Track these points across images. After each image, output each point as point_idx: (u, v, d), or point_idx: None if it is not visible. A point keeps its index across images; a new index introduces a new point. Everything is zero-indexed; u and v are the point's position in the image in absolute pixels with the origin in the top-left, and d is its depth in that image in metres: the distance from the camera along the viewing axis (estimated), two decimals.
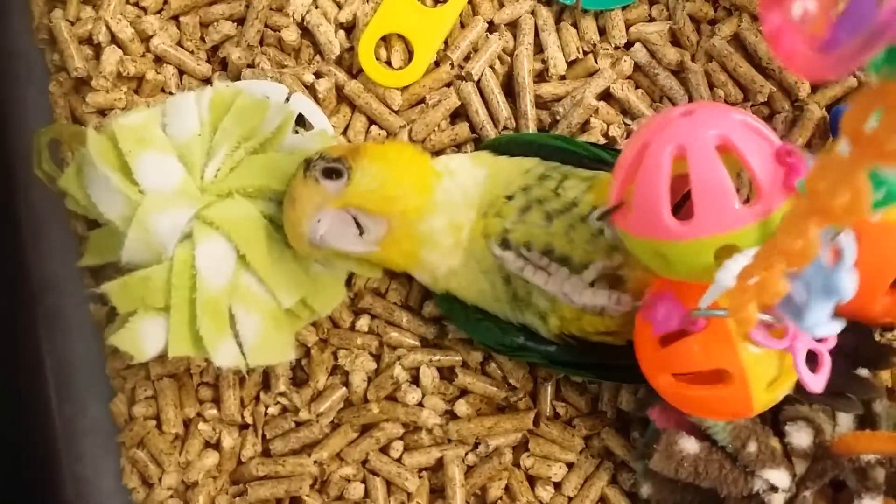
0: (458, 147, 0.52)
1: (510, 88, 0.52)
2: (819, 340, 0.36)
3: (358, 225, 0.43)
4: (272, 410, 0.52)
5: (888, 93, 0.20)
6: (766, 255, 0.26)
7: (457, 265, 0.45)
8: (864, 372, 0.47)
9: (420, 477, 0.52)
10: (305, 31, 0.53)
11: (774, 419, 0.46)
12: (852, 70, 0.20)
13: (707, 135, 0.33)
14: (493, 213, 0.44)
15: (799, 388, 0.46)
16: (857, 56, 0.20)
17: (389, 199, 0.43)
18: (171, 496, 0.52)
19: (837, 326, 0.33)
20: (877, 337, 0.48)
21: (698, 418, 0.45)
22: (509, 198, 0.44)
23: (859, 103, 0.21)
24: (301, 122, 0.51)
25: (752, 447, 0.45)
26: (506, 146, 0.48)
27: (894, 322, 0.42)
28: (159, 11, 0.54)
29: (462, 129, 0.52)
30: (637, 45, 0.52)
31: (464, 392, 0.52)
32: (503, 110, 0.51)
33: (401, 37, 0.52)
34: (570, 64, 0.52)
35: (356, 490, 0.52)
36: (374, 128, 0.52)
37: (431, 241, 0.44)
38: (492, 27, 0.53)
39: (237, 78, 0.52)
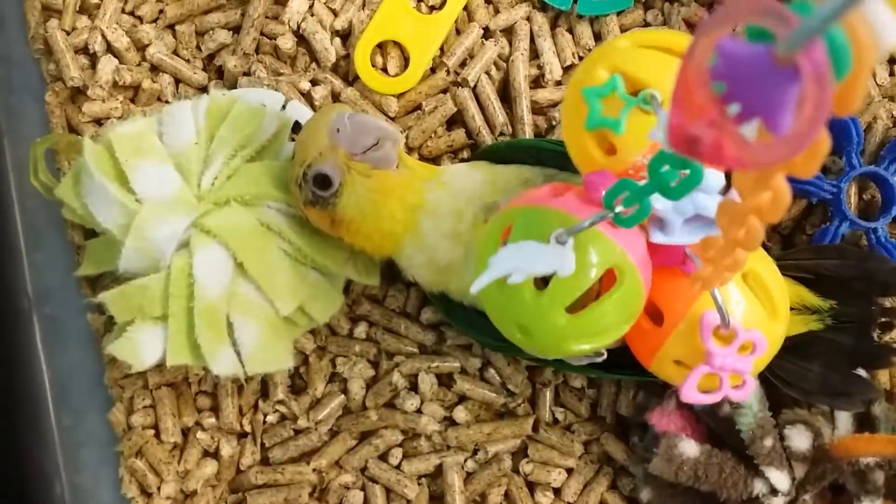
0: (454, 153, 0.52)
1: (506, 94, 0.52)
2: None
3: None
4: (271, 418, 0.52)
5: None
6: (735, 216, 0.27)
7: (456, 260, 0.45)
8: (862, 372, 0.47)
9: (419, 484, 0.52)
10: (301, 39, 0.53)
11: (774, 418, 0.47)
12: (809, 143, 0.21)
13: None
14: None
15: (798, 390, 0.46)
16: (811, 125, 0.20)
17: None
18: None
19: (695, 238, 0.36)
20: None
21: (735, 402, 0.45)
22: None
23: None
24: (297, 129, 0.51)
25: (768, 442, 0.45)
26: (504, 151, 0.48)
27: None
28: (155, 20, 0.54)
29: (458, 136, 0.52)
30: None
31: (462, 398, 0.52)
32: (499, 116, 0.51)
33: (397, 44, 0.52)
34: (566, 69, 0.52)
35: (355, 498, 0.52)
36: None
37: (431, 210, 0.45)
38: (487, 33, 0.53)
39: (233, 86, 0.52)
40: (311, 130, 0.44)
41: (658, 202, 0.33)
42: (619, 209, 0.32)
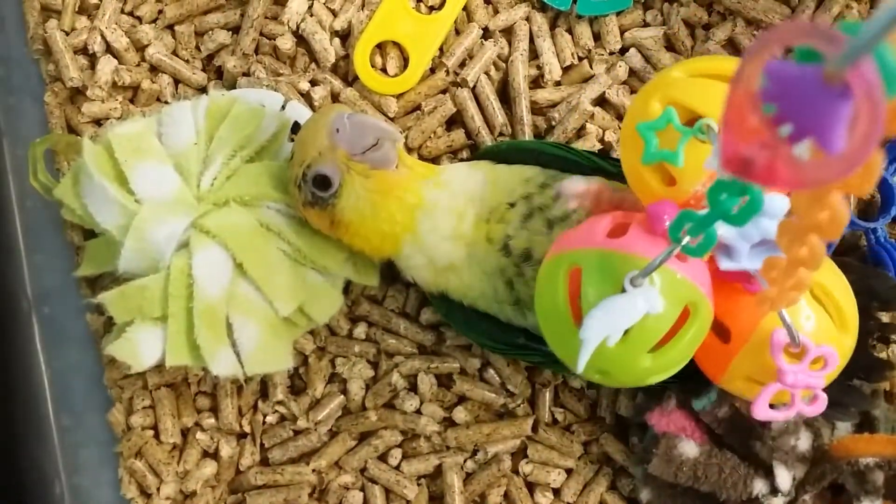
0: (453, 154, 0.52)
1: (506, 95, 0.52)
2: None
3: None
4: (270, 419, 0.52)
5: None
6: (795, 236, 0.27)
7: (458, 261, 0.45)
8: (858, 383, 0.47)
9: (419, 484, 0.52)
10: (301, 40, 0.53)
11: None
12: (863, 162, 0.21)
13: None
14: (496, 220, 0.44)
15: None
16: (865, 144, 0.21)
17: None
18: None
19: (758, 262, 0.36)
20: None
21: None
22: (511, 205, 0.44)
23: None
24: (297, 130, 0.51)
25: (792, 441, 0.46)
26: (506, 152, 0.48)
27: None
28: (154, 21, 0.54)
29: (458, 136, 0.52)
30: (632, 50, 0.52)
31: (462, 399, 0.52)
32: (499, 116, 0.51)
33: (396, 44, 0.52)
34: (566, 70, 0.52)
35: (355, 498, 0.52)
36: None
37: (430, 210, 0.44)
38: (487, 33, 0.53)
39: (233, 86, 0.52)
40: (311, 131, 0.44)
41: (722, 228, 0.32)
42: (686, 240, 0.32)
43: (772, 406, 0.37)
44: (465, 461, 0.51)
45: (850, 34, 0.20)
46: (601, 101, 0.52)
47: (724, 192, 0.28)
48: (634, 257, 0.34)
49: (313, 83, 0.52)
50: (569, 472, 0.51)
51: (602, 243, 0.35)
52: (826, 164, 0.22)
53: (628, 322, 0.33)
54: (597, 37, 0.53)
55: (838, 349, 0.38)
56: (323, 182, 0.43)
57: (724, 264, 0.36)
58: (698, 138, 0.36)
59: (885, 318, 0.47)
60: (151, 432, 0.52)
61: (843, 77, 0.20)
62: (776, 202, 0.34)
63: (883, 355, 0.49)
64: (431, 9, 0.53)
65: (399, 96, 0.52)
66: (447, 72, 0.52)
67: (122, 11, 0.54)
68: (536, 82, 0.53)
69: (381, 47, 0.52)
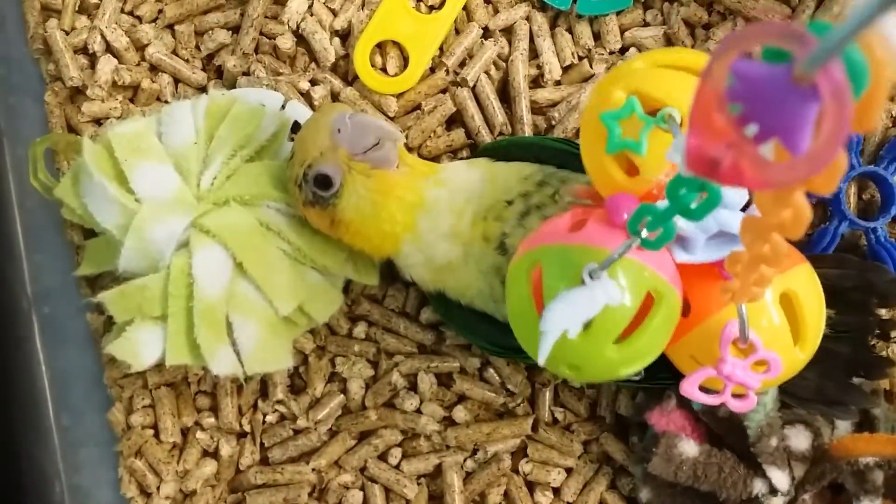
0: (453, 153, 0.52)
1: (506, 94, 0.52)
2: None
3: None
4: (270, 418, 0.52)
5: None
6: (758, 233, 0.27)
7: (455, 259, 0.45)
8: (859, 381, 0.47)
9: (419, 484, 0.52)
10: (300, 39, 0.53)
11: None
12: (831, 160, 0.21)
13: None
14: (493, 217, 0.44)
15: (794, 397, 0.46)
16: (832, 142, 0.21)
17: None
18: None
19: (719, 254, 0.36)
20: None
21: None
22: (509, 203, 0.44)
23: None
24: (297, 129, 0.51)
25: (773, 441, 0.45)
26: (506, 149, 0.48)
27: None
28: (154, 20, 0.54)
29: (458, 135, 0.52)
30: (632, 49, 0.52)
31: (462, 398, 0.52)
32: (499, 116, 0.51)
33: (396, 43, 0.52)
34: (566, 69, 0.52)
35: (355, 498, 0.52)
36: None
37: (430, 209, 0.44)
38: (487, 33, 0.53)
39: (232, 86, 0.52)
40: (312, 130, 0.44)
41: (681, 220, 0.33)
42: (644, 234, 0.32)
43: (704, 390, 0.37)
44: (464, 460, 0.51)
45: (819, 35, 0.20)
46: None
47: (683, 187, 0.28)
48: (593, 250, 0.34)
49: (313, 83, 0.52)
50: (569, 471, 0.51)
51: (562, 238, 0.36)
52: (792, 164, 0.22)
53: (587, 314, 0.33)
54: (597, 36, 0.53)
55: (788, 360, 0.38)
56: (324, 181, 0.43)
57: (680, 257, 0.36)
58: (661, 128, 0.36)
59: (884, 313, 0.47)
60: (151, 431, 0.52)
61: (812, 78, 0.20)
62: (735, 195, 0.35)
63: (883, 353, 0.48)
64: (431, 8, 0.53)
65: (399, 96, 0.52)
66: (447, 71, 0.52)
67: (122, 11, 0.54)
68: (536, 82, 0.53)
69: (381, 47, 0.52)
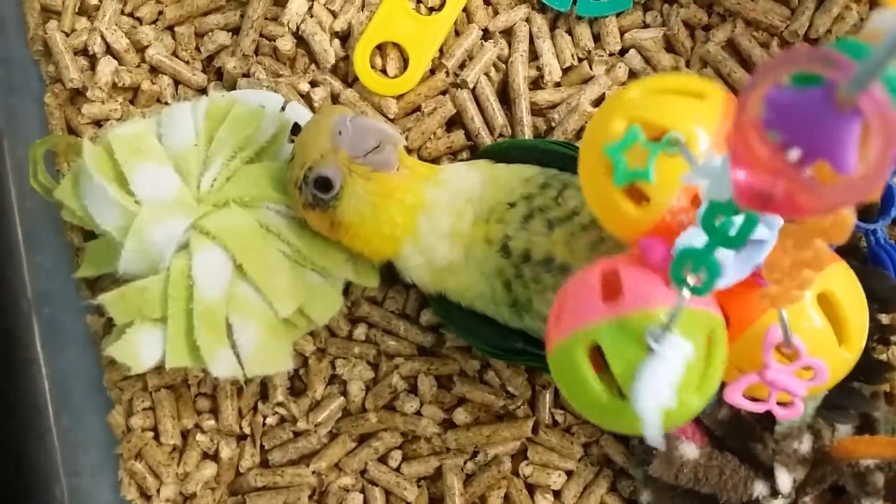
0: (453, 155, 0.52)
1: (505, 96, 0.52)
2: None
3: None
4: (270, 421, 0.52)
5: None
6: (799, 240, 0.27)
7: (456, 261, 0.45)
8: (859, 385, 0.46)
9: (419, 486, 0.52)
10: (300, 41, 0.53)
11: (773, 424, 0.46)
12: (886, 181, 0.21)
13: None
14: (495, 220, 0.44)
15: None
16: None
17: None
18: None
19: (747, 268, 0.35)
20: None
21: None
22: (511, 205, 0.44)
23: None
24: (297, 131, 0.51)
25: (796, 444, 0.45)
26: (507, 151, 0.48)
27: None
28: (154, 22, 0.54)
29: (458, 137, 0.52)
30: (632, 51, 0.52)
31: (462, 400, 0.52)
32: (499, 118, 0.51)
33: (396, 45, 0.52)
34: (565, 71, 0.52)
35: (355, 500, 0.51)
36: None
37: (431, 211, 0.44)
38: (486, 35, 0.53)
39: (232, 87, 0.52)
40: (312, 133, 0.44)
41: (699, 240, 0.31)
42: (691, 282, 0.31)
43: (748, 398, 0.37)
44: (465, 463, 0.51)
45: (849, 54, 0.20)
46: (601, 102, 0.52)
47: (718, 214, 0.27)
48: (643, 313, 0.33)
49: (313, 84, 0.52)
50: (569, 473, 0.51)
51: (608, 312, 0.34)
52: (846, 185, 0.21)
53: (673, 379, 0.32)
54: (596, 38, 0.53)
55: (835, 362, 0.37)
56: (324, 184, 0.43)
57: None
58: (666, 153, 0.35)
59: (885, 319, 0.47)
60: (151, 434, 0.52)
61: (855, 101, 0.20)
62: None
63: (883, 357, 0.48)
64: (431, 10, 0.53)
65: (399, 97, 0.52)
66: (447, 73, 0.52)
67: (122, 13, 0.54)
68: (536, 83, 0.53)
69: (380, 48, 0.52)
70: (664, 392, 0.32)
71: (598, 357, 0.34)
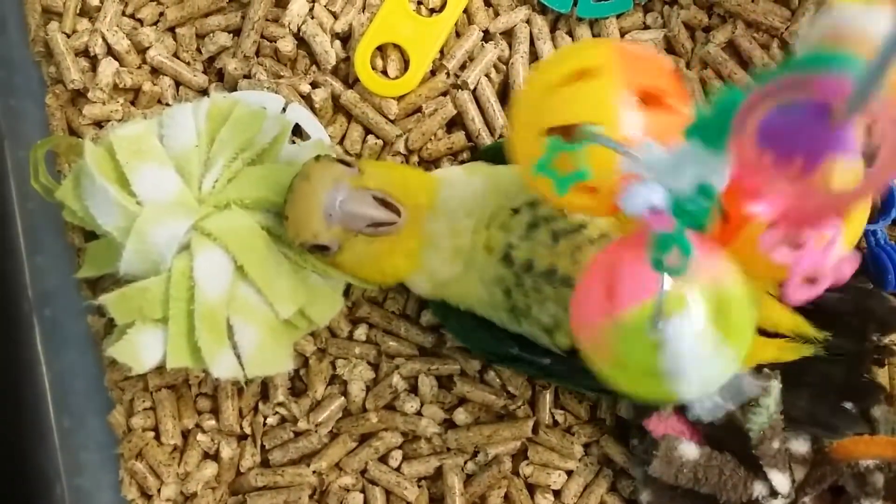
0: (454, 156, 0.52)
1: (506, 97, 0.52)
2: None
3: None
4: (271, 421, 0.52)
5: None
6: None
7: (457, 272, 0.45)
8: (850, 405, 0.46)
9: (419, 486, 0.52)
10: (301, 42, 0.53)
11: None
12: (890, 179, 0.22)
13: None
14: (497, 226, 0.43)
15: (786, 417, 0.46)
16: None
17: (403, 187, 0.43)
18: None
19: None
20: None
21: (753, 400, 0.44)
22: (515, 211, 0.43)
23: None
24: (298, 132, 0.51)
25: (775, 444, 0.45)
26: (506, 151, 0.48)
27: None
28: (155, 23, 0.54)
29: (458, 138, 0.52)
30: None
31: (462, 400, 0.52)
32: (499, 119, 0.52)
33: (397, 46, 0.52)
34: None
35: (355, 500, 0.52)
36: (370, 137, 0.52)
37: (433, 244, 0.44)
38: (487, 36, 0.53)
39: (234, 89, 0.52)
40: (303, 212, 0.42)
41: (655, 196, 0.30)
42: (668, 264, 0.29)
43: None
44: (465, 463, 0.51)
45: (827, 66, 0.20)
46: None
47: (688, 203, 0.27)
48: (642, 306, 0.32)
49: (314, 85, 0.52)
50: (569, 473, 0.51)
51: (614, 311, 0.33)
52: (864, 181, 0.22)
53: (702, 352, 0.31)
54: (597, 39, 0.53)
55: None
56: (322, 248, 0.43)
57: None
58: (589, 146, 0.34)
59: (884, 340, 0.47)
60: (152, 434, 0.52)
61: (850, 119, 0.20)
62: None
63: (882, 371, 0.48)
64: (432, 11, 0.53)
65: (400, 98, 0.52)
66: (448, 74, 0.52)
67: (124, 14, 0.54)
68: None
69: (381, 49, 0.53)
70: (701, 374, 0.31)
71: None
